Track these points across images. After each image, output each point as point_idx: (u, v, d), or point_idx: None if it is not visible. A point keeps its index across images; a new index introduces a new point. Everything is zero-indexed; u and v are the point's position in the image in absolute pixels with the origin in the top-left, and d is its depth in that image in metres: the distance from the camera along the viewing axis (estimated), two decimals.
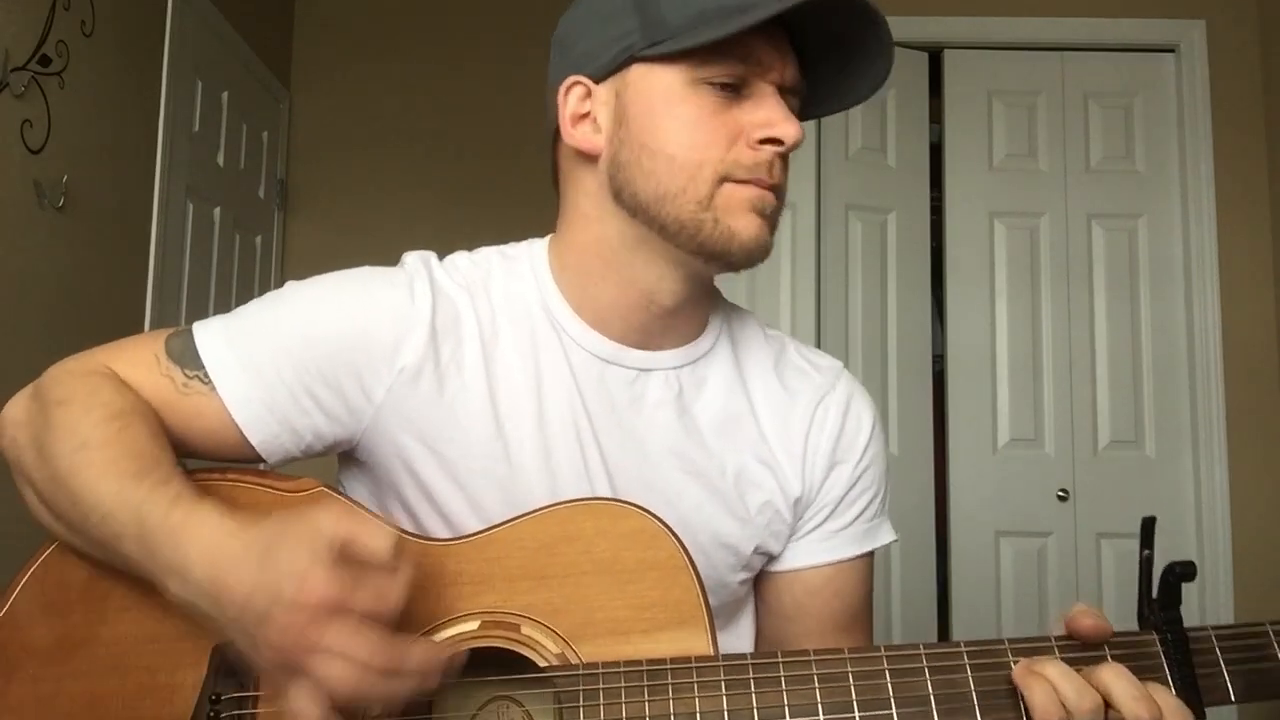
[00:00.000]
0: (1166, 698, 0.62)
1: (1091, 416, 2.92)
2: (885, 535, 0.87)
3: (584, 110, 0.78)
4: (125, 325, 2.26)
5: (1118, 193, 3.00)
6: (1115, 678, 0.62)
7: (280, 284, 0.82)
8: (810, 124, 3.32)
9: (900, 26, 2.99)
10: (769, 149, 0.73)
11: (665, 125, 0.74)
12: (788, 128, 0.72)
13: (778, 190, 0.75)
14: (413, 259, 0.81)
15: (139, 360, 0.75)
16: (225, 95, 2.80)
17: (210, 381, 0.74)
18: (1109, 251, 2.99)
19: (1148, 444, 2.91)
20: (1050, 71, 3.04)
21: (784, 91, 0.75)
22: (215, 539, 0.62)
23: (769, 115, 0.73)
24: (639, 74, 0.75)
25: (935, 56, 3.08)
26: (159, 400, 0.74)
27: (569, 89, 0.78)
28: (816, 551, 0.84)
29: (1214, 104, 2.94)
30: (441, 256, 0.83)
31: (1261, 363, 2.87)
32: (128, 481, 0.66)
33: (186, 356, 0.75)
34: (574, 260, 0.81)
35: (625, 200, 0.76)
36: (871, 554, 0.87)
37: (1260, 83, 2.96)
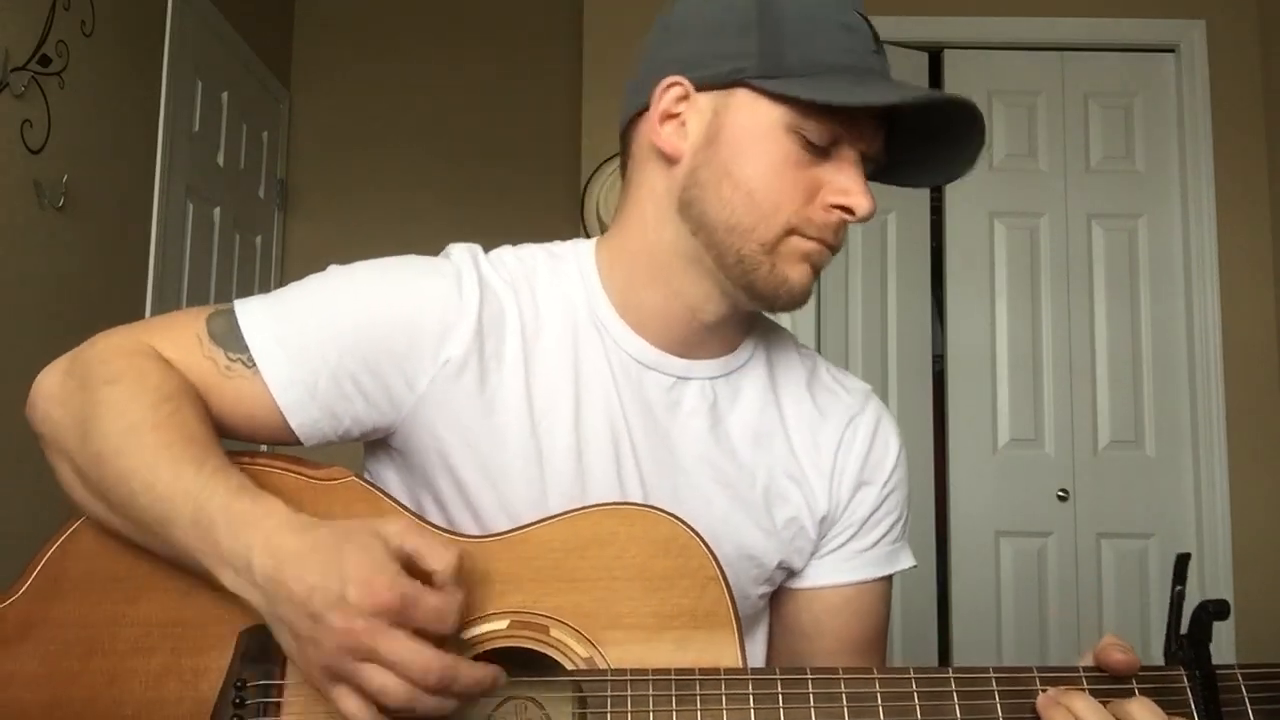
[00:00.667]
0: None
1: (1091, 416, 2.92)
2: (905, 560, 0.87)
3: (676, 110, 0.77)
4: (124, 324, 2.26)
5: (1118, 193, 3.00)
6: (1142, 711, 0.62)
7: (280, 284, 0.81)
8: None
9: (900, 26, 3.01)
10: (839, 214, 0.75)
11: (754, 161, 0.74)
12: (863, 201, 0.74)
13: (835, 250, 0.77)
14: (459, 251, 0.81)
15: (181, 341, 0.75)
16: (225, 95, 2.80)
17: (253, 365, 0.74)
18: (1109, 251, 2.99)
19: (1148, 444, 2.91)
20: (1050, 71, 3.04)
21: (864, 158, 0.76)
22: (280, 533, 0.62)
23: (848, 184, 0.74)
24: (743, 100, 0.75)
25: (935, 56, 3.08)
26: (201, 382, 0.74)
27: (667, 89, 0.77)
28: (840, 570, 0.84)
29: (1214, 104, 2.94)
30: (487, 250, 0.83)
31: (1261, 363, 2.87)
32: (185, 466, 0.65)
33: (230, 339, 0.74)
34: (624, 262, 0.81)
35: (692, 214, 0.77)
36: (891, 579, 0.87)
37: (1260, 83, 2.96)
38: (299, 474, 0.73)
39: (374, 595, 0.57)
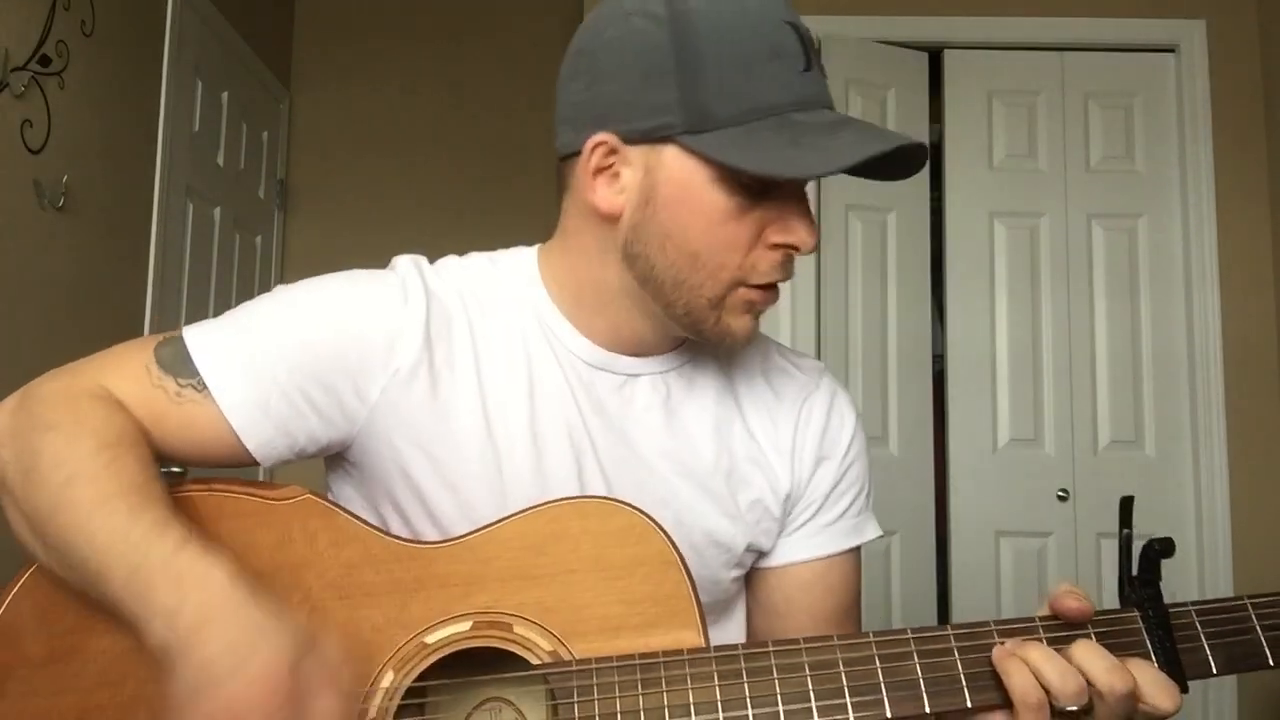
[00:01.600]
0: (1147, 670, 0.63)
1: (1091, 416, 2.92)
2: (871, 530, 0.89)
3: (608, 164, 0.75)
4: (125, 325, 2.26)
5: (1118, 193, 3.00)
6: (1087, 652, 0.63)
7: (280, 284, 0.82)
8: None
9: (900, 26, 3.01)
10: (783, 252, 0.74)
11: (693, 220, 0.72)
12: (805, 236, 0.73)
13: (783, 280, 0.77)
14: (404, 261, 0.81)
15: (129, 373, 0.74)
16: (225, 95, 2.80)
17: (204, 388, 0.73)
18: (1109, 251, 2.99)
19: (1148, 444, 2.91)
20: (1050, 71, 3.05)
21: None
22: (219, 593, 0.61)
23: (790, 222, 0.73)
24: (673, 157, 0.72)
25: (935, 56, 3.08)
26: (152, 412, 0.73)
27: (595, 151, 0.74)
28: (807, 546, 0.85)
29: (1214, 104, 2.94)
30: (432, 260, 0.83)
31: (1261, 363, 2.87)
32: (121, 519, 0.64)
33: (178, 364, 0.74)
34: (569, 283, 0.81)
35: (638, 267, 0.76)
36: (859, 549, 0.88)
37: (1260, 83, 2.96)
38: (254, 495, 0.73)
39: (267, 691, 0.58)
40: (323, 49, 3.31)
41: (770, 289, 0.76)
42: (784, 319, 2.83)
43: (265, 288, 3.07)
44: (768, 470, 0.84)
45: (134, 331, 2.29)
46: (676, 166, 0.72)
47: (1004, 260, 3.00)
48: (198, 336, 0.76)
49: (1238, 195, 2.91)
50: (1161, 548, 0.66)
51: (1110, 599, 2.56)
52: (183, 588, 0.61)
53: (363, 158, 3.24)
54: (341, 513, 0.74)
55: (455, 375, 0.77)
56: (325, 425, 0.76)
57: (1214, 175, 2.92)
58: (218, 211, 2.79)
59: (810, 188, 0.76)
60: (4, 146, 1.83)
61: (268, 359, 0.74)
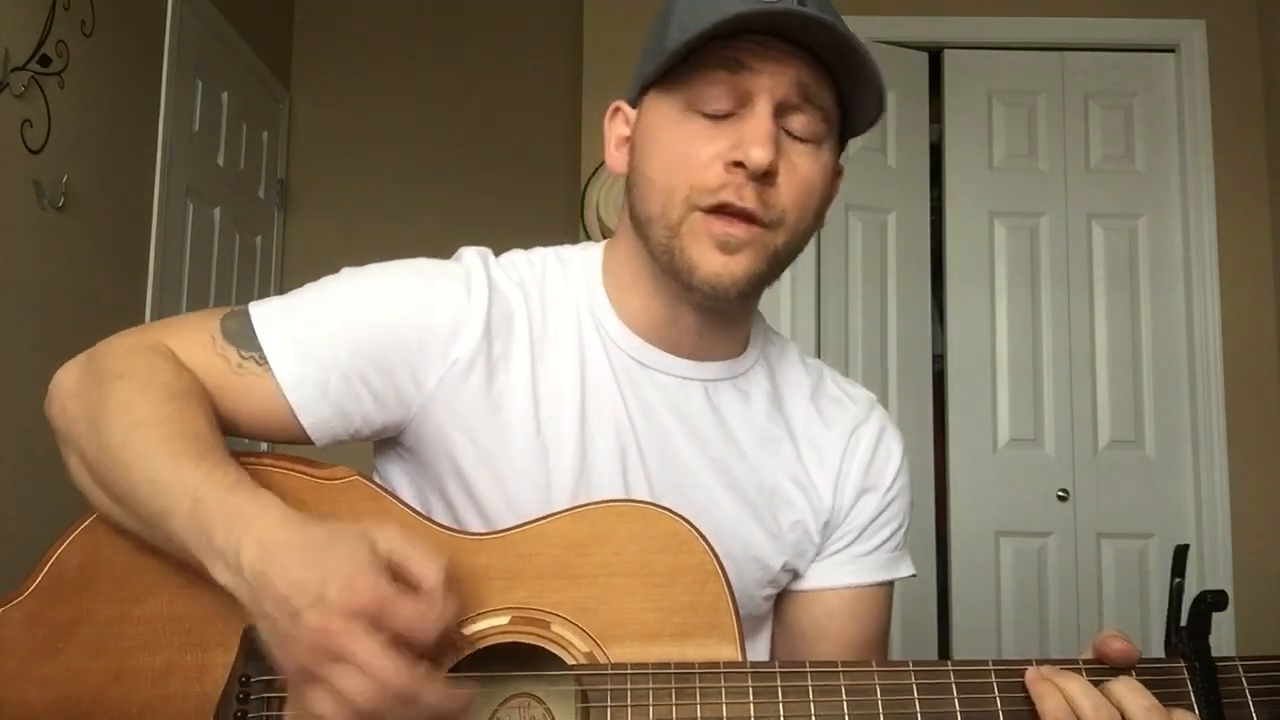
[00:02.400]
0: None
1: (1091, 416, 2.92)
2: (906, 568, 0.88)
3: (626, 133, 0.82)
4: (125, 325, 2.25)
5: (1118, 193, 3.00)
6: (1126, 689, 0.62)
7: (280, 284, 0.83)
8: None
9: (900, 26, 3.01)
10: (739, 172, 0.72)
11: (654, 151, 0.76)
12: (753, 150, 0.70)
13: (752, 217, 0.73)
14: (470, 254, 0.82)
15: (194, 339, 0.76)
16: (225, 95, 2.80)
17: (265, 362, 0.74)
18: (1109, 251, 2.99)
19: (1148, 444, 2.91)
20: (1050, 71, 3.04)
21: (790, 105, 0.73)
22: (272, 528, 0.62)
23: (742, 135, 0.72)
24: (649, 102, 0.78)
25: (935, 56, 3.08)
26: (213, 380, 0.74)
27: (612, 115, 0.83)
28: (839, 573, 0.85)
29: (1214, 104, 2.94)
30: (498, 253, 0.85)
31: (1261, 363, 2.87)
32: (186, 460, 0.66)
33: (242, 337, 0.75)
34: (615, 267, 0.83)
35: (633, 217, 0.79)
36: (892, 585, 0.88)
37: (1260, 83, 2.96)
38: (304, 473, 0.73)
39: (353, 596, 0.57)
40: (323, 49, 3.31)
41: (731, 217, 0.72)
42: (784, 319, 2.83)
43: (265, 288, 3.07)
44: (811, 493, 0.84)
45: None
46: (650, 109, 0.77)
47: (1004, 260, 3.00)
48: (263, 311, 0.77)
49: (1238, 195, 2.91)
50: (1214, 600, 0.65)
51: (1113, 608, 2.55)
52: (238, 529, 0.62)
53: (363, 158, 3.24)
54: (388, 497, 0.74)
55: (510, 370, 0.78)
56: (381, 409, 0.77)
57: (1214, 175, 2.92)
58: (218, 211, 2.79)
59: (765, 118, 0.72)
60: (4, 146, 1.83)
61: (329, 340, 0.75)
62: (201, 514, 0.64)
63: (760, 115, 0.72)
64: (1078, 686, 0.62)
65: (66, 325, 2.00)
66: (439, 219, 3.15)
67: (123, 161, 2.28)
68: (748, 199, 0.72)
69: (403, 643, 0.58)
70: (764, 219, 0.73)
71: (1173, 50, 3.01)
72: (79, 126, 2.07)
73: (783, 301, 2.85)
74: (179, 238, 2.56)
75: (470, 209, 3.19)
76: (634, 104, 0.80)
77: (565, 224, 2.95)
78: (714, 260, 0.73)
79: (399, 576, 0.60)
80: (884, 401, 2.88)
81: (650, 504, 0.73)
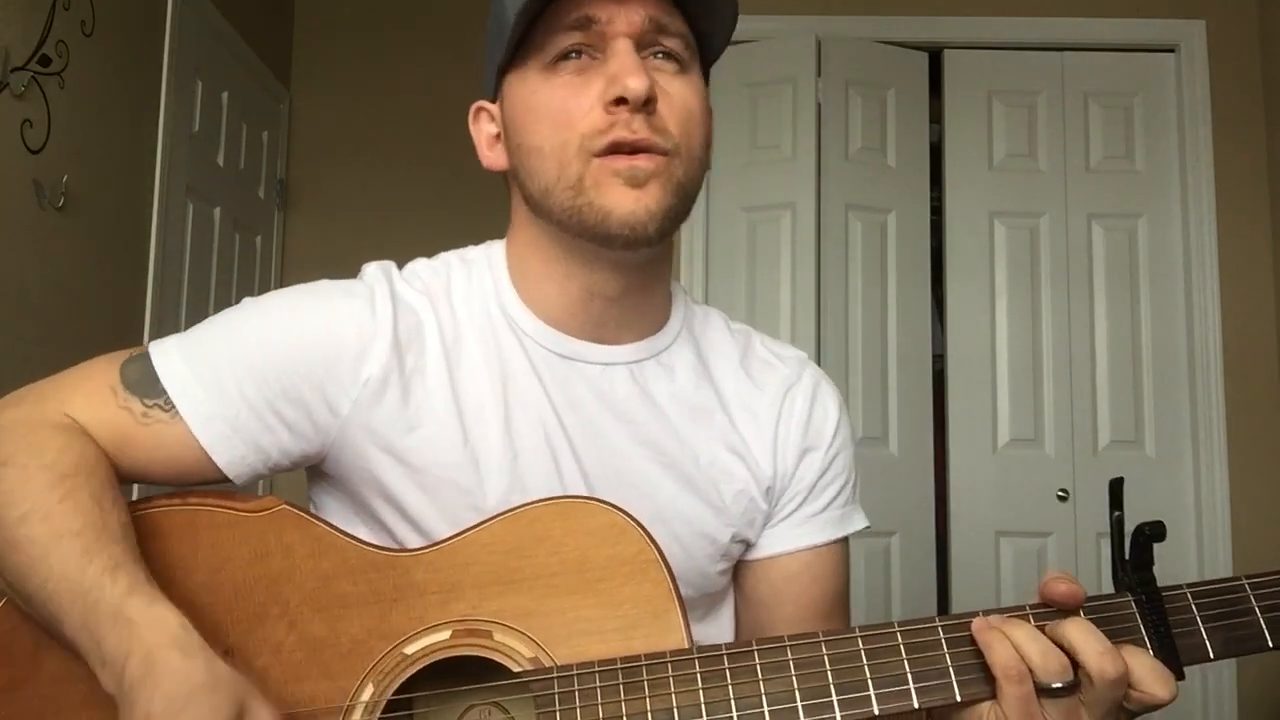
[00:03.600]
0: (1143, 659, 0.62)
1: (1091, 416, 2.92)
2: (859, 521, 0.87)
3: (494, 131, 0.81)
4: (125, 325, 2.26)
5: (1118, 193, 3.00)
6: (1080, 631, 0.62)
7: (280, 284, 0.82)
8: (810, 125, 3.31)
9: (900, 26, 3.01)
10: (621, 109, 0.70)
11: (531, 121, 0.75)
12: (628, 81, 0.69)
13: (650, 147, 0.71)
14: (372, 269, 0.81)
15: (93, 394, 0.73)
16: (225, 95, 2.80)
17: (171, 407, 0.72)
18: (1109, 251, 2.99)
19: (1148, 444, 2.91)
20: (1050, 71, 3.05)
21: (648, 39, 0.73)
22: (161, 649, 0.60)
23: (613, 71, 0.71)
24: (509, 83, 0.78)
25: (935, 56, 3.08)
26: (118, 434, 0.72)
27: (476, 115, 0.83)
28: (793, 537, 0.84)
29: (1214, 104, 2.94)
30: (402, 265, 0.83)
31: (1261, 363, 2.87)
32: (72, 564, 0.63)
33: (145, 384, 0.73)
34: (520, 262, 0.81)
35: (531, 205, 0.77)
36: (846, 541, 0.87)
37: (1260, 83, 2.96)
38: (228, 508, 0.72)
39: None
40: (323, 49, 3.31)
41: (630, 152, 0.71)
42: (784, 319, 2.83)
43: (265, 288, 3.07)
44: (750, 460, 0.82)
45: (134, 332, 2.29)
46: (513, 89, 0.77)
47: (1004, 260, 3.01)
48: (163, 353, 0.75)
49: (1238, 195, 2.91)
50: (1152, 531, 0.64)
51: None
52: (130, 636, 0.60)
53: (363, 158, 3.24)
54: (318, 523, 0.73)
55: (427, 382, 0.76)
56: (297, 440, 0.75)
57: (1214, 175, 2.92)
58: (218, 211, 2.79)
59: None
60: (4, 146, 1.83)
61: (234, 375, 0.73)
62: (93, 622, 0.62)
63: (623, 51, 0.71)
64: (1024, 633, 0.62)
65: (67, 325, 2.00)
66: (439, 218, 3.15)
67: (123, 161, 2.28)
68: (639, 129, 0.71)
69: None
70: (662, 146, 0.72)
71: (1173, 50, 3.01)
72: (79, 126, 2.07)
73: (783, 301, 2.85)
74: (179, 238, 2.56)
75: (470, 209, 3.18)
76: (493, 99, 0.81)
77: None
78: (626, 198, 0.71)
79: None
80: (884, 401, 2.90)
81: (584, 498, 0.72)
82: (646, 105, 0.71)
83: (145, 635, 0.60)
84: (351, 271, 0.83)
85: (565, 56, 0.73)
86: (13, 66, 1.84)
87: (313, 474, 0.82)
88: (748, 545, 0.84)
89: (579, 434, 0.78)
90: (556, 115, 0.73)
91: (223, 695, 0.59)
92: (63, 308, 2.01)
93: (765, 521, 0.84)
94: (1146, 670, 0.61)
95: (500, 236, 0.85)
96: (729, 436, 0.82)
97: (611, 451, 0.78)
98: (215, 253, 2.77)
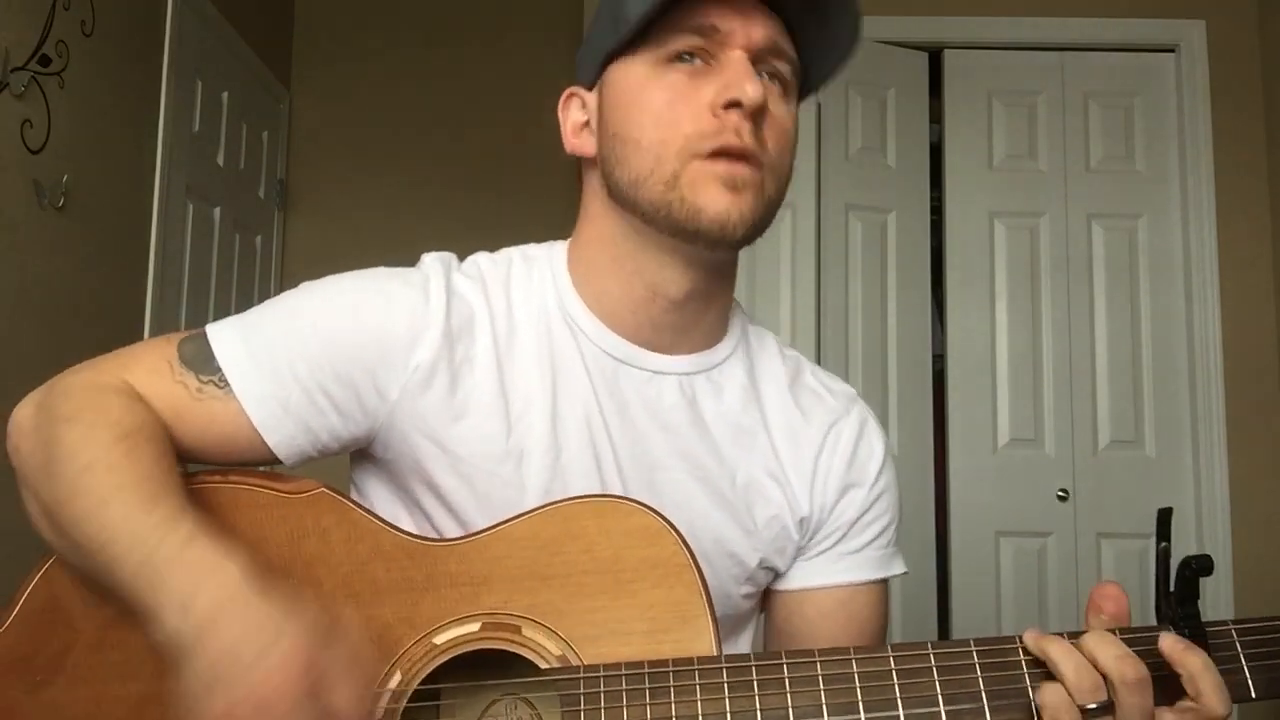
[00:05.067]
0: (1202, 662, 0.61)
1: (1091, 416, 2.92)
2: (898, 566, 0.87)
3: (583, 119, 0.81)
4: (125, 326, 2.26)
5: (1118, 193, 3.00)
6: (1099, 643, 0.62)
7: (280, 284, 0.83)
8: (809, 124, 3.32)
9: (900, 26, 3.01)
10: (733, 114, 0.72)
11: (634, 112, 0.75)
12: (746, 86, 0.71)
13: (751, 157, 0.73)
14: (430, 260, 0.82)
15: (152, 368, 0.74)
16: (225, 95, 2.80)
17: (226, 385, 0.73)
18: (1109, 251, 2.99)
19: (1148, 444, 2.91)
20: (1050, 71, 3.04)
21: (760, 57, 0.75)
22: (233, 582, 0.61)
23: (728, 78, 0.72)
24: (614, 71, 0.78)
25: (935, 56, 3.08)
26: (173, 408, 0.73)
27: (567, 100, 0.83)
28: (830, 571, 0.83)
29: (1214, 104, 2.94)
30: (462, 258, 0.84)
31: (1261, 363, 2.87)
32: (136, 509, 0.64)
33: (200, 361, 0.74)
34: (585, 257, 0.82)
35: (614, 194, 0.78)
36: (886, 584, 0.86)
37: (1260, 83, 2.96)
38: (268, 489, 0.73)
39: (273, 690, 0.56)
40: (323, 49, 3.31)
41: (733, 158, 0.72)
42: (784, 319, 2.83)
43: (265, 287, 3.07)
44: (787, 489, 0.82)
45: (134, 332, 2.29)
46: (617, 78, 0.77)
47: (1004, 260, 3.00)
48: (221, 333, 0.76)
49: (1238, 195, 2.91)
50: (1199, 565, 0.63)
51: None
52: (195, 579, 0.61)
53: (363, 158, 3.24)
54: (355, 508, 0.74)
55: (475, 373, 0.77)
56: (346, 422, 0.76)
57: (1214, 175, 2.92)
58: (218, 211, 2.79)
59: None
60: (4, 146, 1.83)
61: (288, 356, 0.74)
62: (152, 568, 0.62)
63: (739, 60, 0.73)
64: (1058, 649, 0.63)
65: (67, 325, 2.00)
66: (439, 218, 3.15)
67: (123, 161, 2.28)
68: (746, 137, 0.72)
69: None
70: (761, 159, 0.74)
71: (1173, 50, 3.01)
72: (79, 126, 2.07)
73: (783, 301, 2.85)
74: (179, 238, 2.56)
75: (471, 208, 3.18)
76: (590, 86, 0.81)
77: (566, 222, 2.94)
78: (721, 199, 0.72)
79: (320, 688, 0.59)
80: (884, 401, 2.90)
81: (621, 498, 0.72)
82: (757, 114, 0.73)
83: (211, 577, 0.61)
84: (352, 268, 0.83)
85: (680, 58, 0.74)
86: (13, 66, 1.84)
87: (358, 457, 0.83)
88: (775, 574, 0.84)
89: (621, 437, 0.78)
90: (661, 112, 0.74)
91: (304, 623, 0.60)
92: (63, 308, 2.01)
93: (796, 553, 0.83)
94: (1209, 681, 0.60)
95: (502, 240, 0.86)
96: (769, 462, 0.82)
97: (650, 459, 0.79)
98: (215, 253, 2.77)
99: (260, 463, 0.76)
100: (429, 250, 0.85)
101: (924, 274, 3.03)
